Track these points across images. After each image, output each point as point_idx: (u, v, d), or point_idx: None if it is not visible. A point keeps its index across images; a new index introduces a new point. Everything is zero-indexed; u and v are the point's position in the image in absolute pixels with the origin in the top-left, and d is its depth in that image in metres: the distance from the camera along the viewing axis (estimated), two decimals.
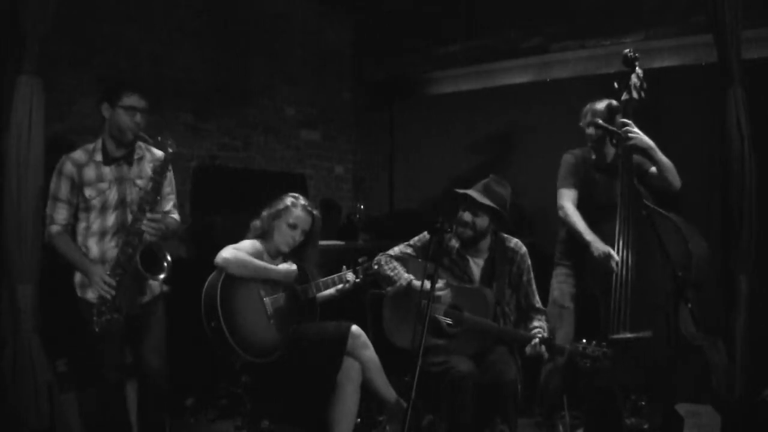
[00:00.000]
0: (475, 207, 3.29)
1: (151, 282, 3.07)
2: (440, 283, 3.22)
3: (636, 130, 3.38)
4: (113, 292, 2.90)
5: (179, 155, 3.24)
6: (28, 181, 3.31)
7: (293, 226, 3.36)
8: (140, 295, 3.07)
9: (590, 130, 3.67)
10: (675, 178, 3.45)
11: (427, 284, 2.82)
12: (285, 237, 3.36)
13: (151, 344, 3.13)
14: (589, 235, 3.45)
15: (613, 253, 3.32)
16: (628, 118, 3.43)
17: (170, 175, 3.21)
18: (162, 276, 2.99)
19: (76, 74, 4.26)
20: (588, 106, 3.72)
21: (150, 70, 4.64)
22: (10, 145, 3.31)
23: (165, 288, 3.19)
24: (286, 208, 3.37)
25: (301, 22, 5.74)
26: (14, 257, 3.31)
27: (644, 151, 3.42)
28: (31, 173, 3.32)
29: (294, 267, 3.35)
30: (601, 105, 3.66)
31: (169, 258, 3.01)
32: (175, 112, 4.82)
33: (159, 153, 3.16)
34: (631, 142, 3.36)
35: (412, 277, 3.37)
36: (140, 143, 3.15)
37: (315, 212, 3.44)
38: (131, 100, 3.00)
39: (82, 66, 4.29)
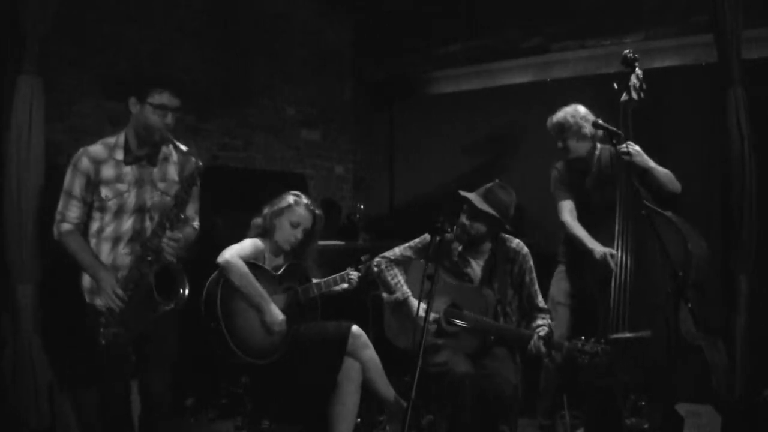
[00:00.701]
0: (473, 211, 3.28)
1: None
2: (433, 315, 3.24)
3: (637, 147, 3.38)
4: (122, 306, 2.70)
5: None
6: (29, 181, 3.33)
7: (295, 225, 3.35)
8: (151, 314, 2.76)
9: (560, 144, 3.67)
10: (675, 186, 3.45)
11: (423, 307, 2.81)
12: (287, 235, 3.36)
13: (157, 359, 2.93)
14: (590, 243, 3.46)
15: (615, 252, 3.32)
16: (627, 119, 3.42)
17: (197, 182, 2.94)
18: (173, 305, 2.73)
19: (77, 74, 4.25)
20: (557, 121, 3.67)
21: (150, 70, 4.63)
22: (11, 145, 3.32)
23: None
24: (289, 206, 3.37)
25: (301, 22, 5.74)
26: (14, 257, 3.31)
27: (644, 171, 3.42)
28: (32, 173, 3.34)
29: (282, 321, 3.22)
30: (582, 110, 3.65)
31: (187, 285, 2.76)
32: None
33: (185, 150, 2.80)
34: (628, 158, 3.33)
35: (409, 293, 3.37)
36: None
37: (317, 211, 3.43)
38: (162, 98, 2.75)
39: (83, 66, 4.28)
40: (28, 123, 3.31)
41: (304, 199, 3.42)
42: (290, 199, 3.40)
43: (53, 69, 3.75)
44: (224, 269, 3.16)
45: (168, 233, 2.73)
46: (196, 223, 3.06)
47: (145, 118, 2.76)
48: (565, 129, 3.63)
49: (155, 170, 2.87)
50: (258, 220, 3.42)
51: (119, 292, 2.70)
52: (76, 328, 3.00)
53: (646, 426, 3.17)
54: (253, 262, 3.25)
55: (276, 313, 3.21)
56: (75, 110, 4.25)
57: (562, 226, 3.68)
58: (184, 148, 2.76)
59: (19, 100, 3.30)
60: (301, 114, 5.77)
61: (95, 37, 4.36)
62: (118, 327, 2.71)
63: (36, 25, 3.32)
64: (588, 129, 3.59)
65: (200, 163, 2.80)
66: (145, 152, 2.85)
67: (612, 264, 3.31)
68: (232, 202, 4.48)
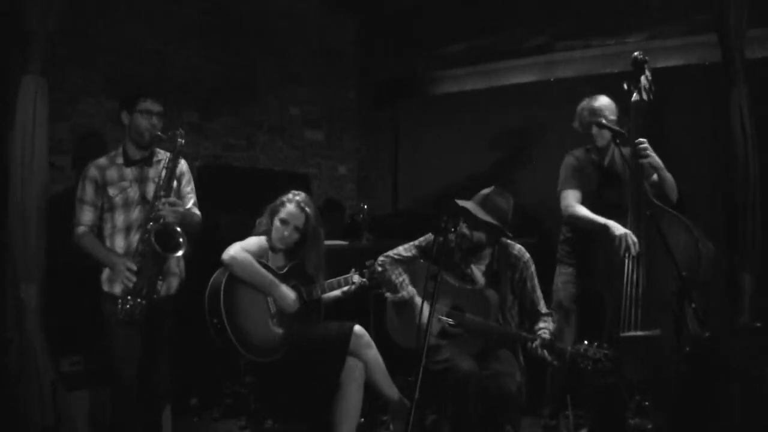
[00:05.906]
0: (473, 221, 3.27)
1: (171, 264, 3.17)
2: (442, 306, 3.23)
3: (650, 150, 3.37)
4: (135, 279, 2.99)
5: (185, 155, 3.27)
6: (32, 180, 3.34)
7: (284, 222, 3.38)
8: (160, 277, 3.10)
9: (594, 130, 3.66)
10: (673, 194, 3.46)
11: (426, 310, 2.79)
12: (278, 233, 3.39)
13: (160, 345, 3.22)
14: (602, 219, 3.41)
15: (632, 234, 3.28)
16: (639, 120, 3.40)
17: (189, 175, 3.36)
18: (180, 252, 3.06)
19: (81, 74, 4.25)
20: (586, 104, 3.69)
21: (154, 69, 4.64)
22: (15, 144, 3.33)
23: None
24: (281, 203, 3.43)
25: (305, 22, 5.73)
26: (18, 256, 3.32)
27: (654, 169, 3.41)
28: (36, 172, 3.34)
29: (295, 299, 3.33)
30: (606, 102, 3.64)
31: (184, 237, 3.06)
32: (179, 111, 4.82)
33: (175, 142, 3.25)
34: (646, 161, 3.34)
35: (414, 291, 3.36)
36: (159, 149, 3.29)
37: (308, 210, 3.42)
38: (146, 104, 3.19)
39: (87, 65, 4.28)
40: (32, 123, 3.33)
41: (298, 198, 3.44)
42: (284, 197, 3.45)
43: (56, 68, 3.76)
44: (229, 266, 3.19)
45: (163, 200, 3.07)
46: (197, 211, 3.36)
47: (135, 125, 3.18)
48: (602, 114, 3.61)
49: (152, 169, 3.25)
50: (261, 220, 3.47)
51: (130, 265, 3.01)
52: (94, 324, 3.17)
53: (650, 426, 3.16)
54: (257, 260, 3.27)
55: (287, 294, 3.31)
56: (78, 109, 4.24)
57: (565, 210, 3.62)
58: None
59: (23, 99, 3.31)
60: (305, 113, 5.77)
61: (99, 37, 4.36)
62: (134, 299, 3.00)
63: (41, 25, 3.33)
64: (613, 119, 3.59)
65: (181, 141, 3.15)
66: (142, 156, 3.25)
67: (633, 247, 3.25)
68: (235, 201, 4.49)
